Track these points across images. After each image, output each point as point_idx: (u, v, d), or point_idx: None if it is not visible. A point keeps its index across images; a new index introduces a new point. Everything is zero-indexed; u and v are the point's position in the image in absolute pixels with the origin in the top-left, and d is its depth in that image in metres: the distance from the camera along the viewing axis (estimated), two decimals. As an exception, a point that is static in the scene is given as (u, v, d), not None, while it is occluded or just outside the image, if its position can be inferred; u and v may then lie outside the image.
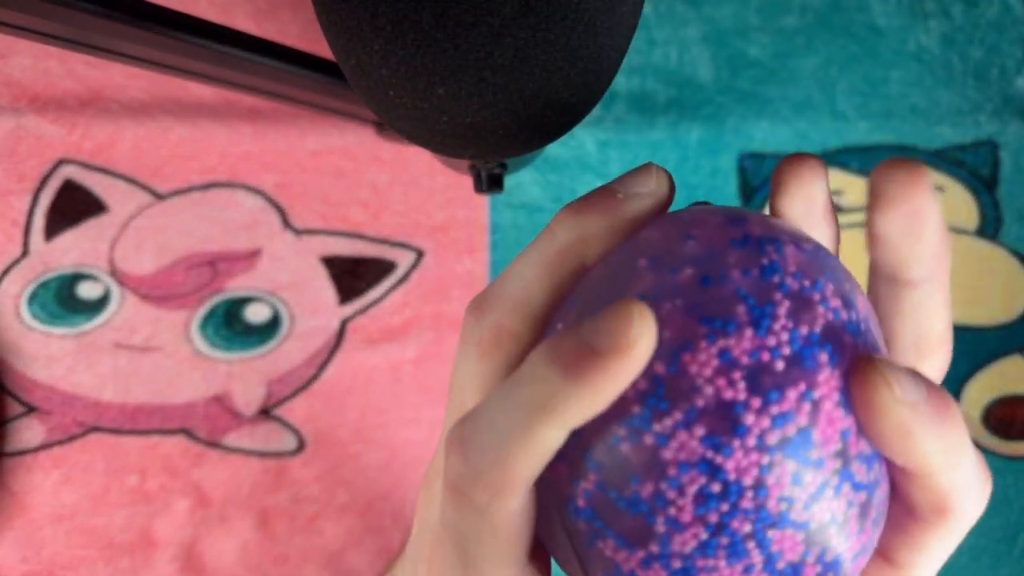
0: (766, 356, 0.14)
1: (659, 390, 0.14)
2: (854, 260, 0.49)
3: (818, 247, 0.16)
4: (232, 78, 0.34)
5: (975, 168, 0.50)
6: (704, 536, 0.14)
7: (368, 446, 0.46)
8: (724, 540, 0.14)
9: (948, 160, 0.50)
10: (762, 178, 0.49)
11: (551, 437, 0.14)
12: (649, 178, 0.17)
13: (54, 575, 0.44)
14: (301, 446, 0.46)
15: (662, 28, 0.48)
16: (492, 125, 0.21)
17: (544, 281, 0.17)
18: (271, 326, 0.45)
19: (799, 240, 0.16)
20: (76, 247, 0.45)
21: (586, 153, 0.48)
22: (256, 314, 0.45)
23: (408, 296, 0.46)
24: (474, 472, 0.15)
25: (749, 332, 0.14)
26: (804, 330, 0.14)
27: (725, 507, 0.14)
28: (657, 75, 0.48)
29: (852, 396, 0.14)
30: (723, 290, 0.14)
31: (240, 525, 0.45)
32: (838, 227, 0.18)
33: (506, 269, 0.18)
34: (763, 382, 0.14)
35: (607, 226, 0.17)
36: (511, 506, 0.15)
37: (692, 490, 0.14)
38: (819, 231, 0.18)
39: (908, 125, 0.50)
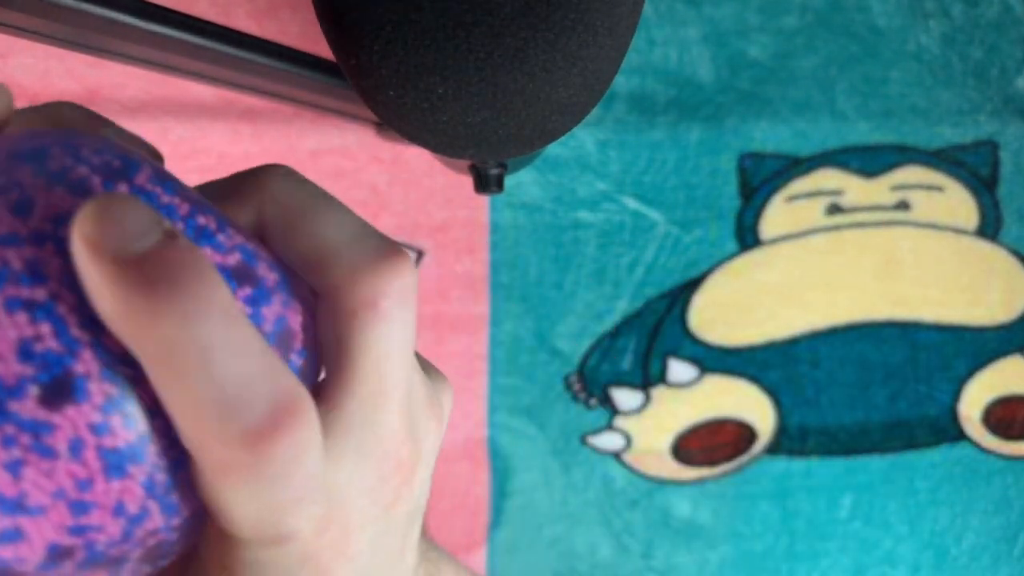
0: None
1: None
2: (855, 260, 0.49)
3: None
4: (232, 78, 0.34)
5: (975, 168, 0.50)
6: None
7: (368, 446, 0.46)
8: None
9: (948, 160, 0.50)
10: (762, 178, 0.49)
11: None
12: None
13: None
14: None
15: (662, 28, 0.48)
16: (492, 125, 0.22)
17: None
18: (271, 326, 0.46)
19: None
20: (76, 247, 0.45)
21: (586, 153, 0.48)
22: (256, 314, 0.45)
23: (408, 296, 0.46)
24: None
25: None
26: None
27: None
28: (657, 75, 0.48)
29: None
30: None
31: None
32: None
33: None
34: None
35: None
36: None
37: None
38: None
39: (908, 125, 0.50)
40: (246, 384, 0.12)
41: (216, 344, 0.11)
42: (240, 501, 0.12)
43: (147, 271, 0.11)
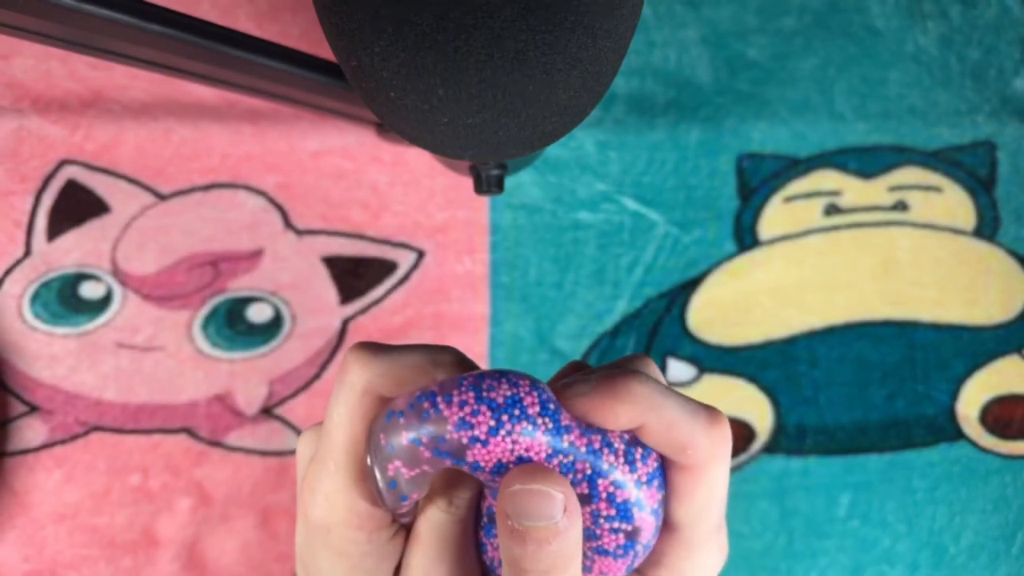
0: None
1: None
2: (854, 260, 0.49)
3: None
4: (234, 79, 0.34)
5: (973, 169, 0.50)
6: None
7: (369, 445, 0.46)
8: None
9: (946, 161, 0.50)
10: (760, 179, 0.49)
11: None
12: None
13: (56, 574, 0.44)
14: (302, 445, 0.46)
15: (661, 30, 0.49)
16: (492, 126, 0.22)
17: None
18: (273, 326, 0.46)
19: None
20: (78, 247, 0.45)
21: (586, 154, 0.48)
22: (258, 314, 0.46)
23: (409, 296, 0.47)
24: None
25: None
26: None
27: None
28: (656, 76, 0.48)
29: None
30: None
31: (242, 524, 0.45)
32: None
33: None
34: None
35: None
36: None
37: None
38: None
39: (906, 126, 0.50)
40: None
41: None
42: None
43: (540, 544, 0.19)
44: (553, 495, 0.18)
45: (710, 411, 0.21)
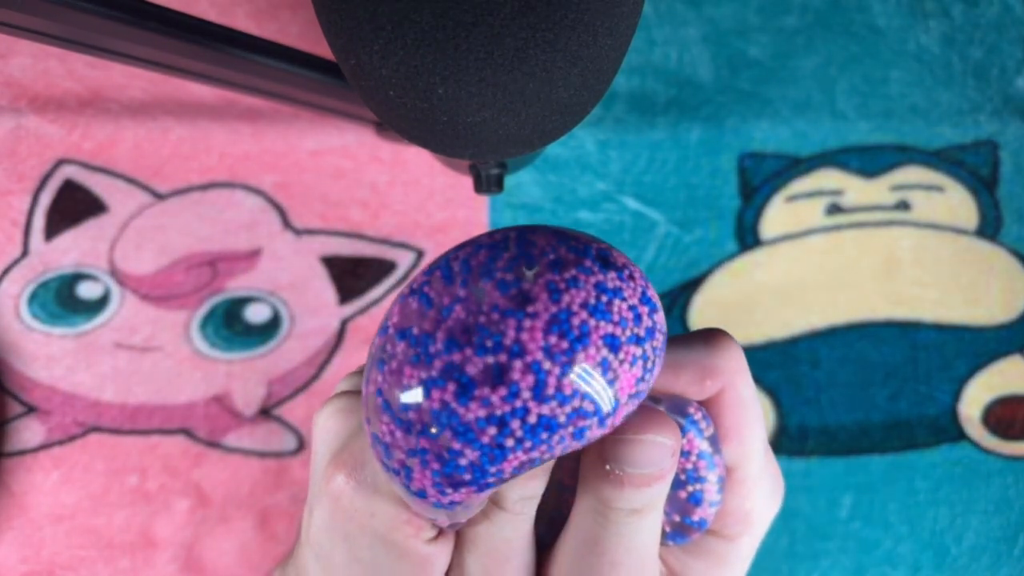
0: None
1: None
2: (854, 261, 0.49)
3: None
4: (232, 78, 0.34)
5: (975, 168, 0.50)
6: None
7: (368, 446, 0.46)
8: None
9: (948, 160, 0.50)
10: (762, 178, 0.49)
11: None
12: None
13: (54, 575, 0.44)
14: (301, 446, 0.46)
15: (662, 28, 0.48)
16: (492, 125, 0.21)
17: None
18: (271, 326, 0.45)
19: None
20: (76, 247, 0.45)
21: (586, 153, 0.48)
22: (256, 314, 0.45)
23: (408, 296, 0.46)
24: None
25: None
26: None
27: None
28: (657, 75, 0.48)
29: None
30: None
31: (240, 525, 0.45)
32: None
33: None
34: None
35: None
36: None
37: None
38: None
39: (908, 125, 0.50)
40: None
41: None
42: None
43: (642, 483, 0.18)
44: (666, 444, 0.17)
45: (705, 332, 0.20)
